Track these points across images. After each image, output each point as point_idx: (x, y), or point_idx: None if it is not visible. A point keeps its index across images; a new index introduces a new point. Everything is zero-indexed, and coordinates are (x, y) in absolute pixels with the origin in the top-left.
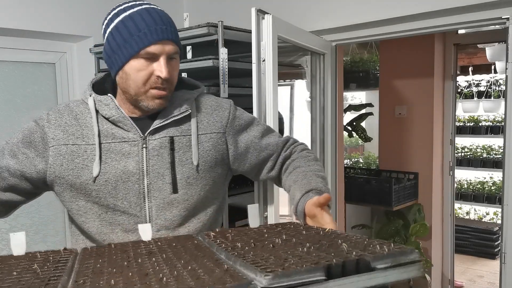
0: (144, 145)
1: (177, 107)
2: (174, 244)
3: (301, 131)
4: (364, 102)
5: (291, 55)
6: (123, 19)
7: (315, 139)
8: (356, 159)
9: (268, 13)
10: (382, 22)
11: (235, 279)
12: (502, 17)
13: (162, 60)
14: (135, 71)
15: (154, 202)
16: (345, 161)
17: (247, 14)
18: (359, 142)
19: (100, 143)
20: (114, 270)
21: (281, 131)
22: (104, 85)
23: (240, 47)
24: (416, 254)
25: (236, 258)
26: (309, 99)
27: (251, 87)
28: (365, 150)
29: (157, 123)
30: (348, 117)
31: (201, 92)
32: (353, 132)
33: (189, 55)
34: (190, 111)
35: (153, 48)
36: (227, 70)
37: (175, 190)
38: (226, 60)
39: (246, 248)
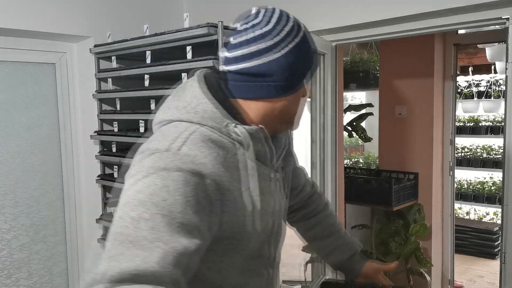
0: (278, 179)
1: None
2: None
3: (300, 131)
4: (364, 102)
5: None
6: (303, 36)
7: (315, 139)
8: (356, 159)
9: None
10: (382, 22)
11: None
12: (502, 17)
13: (308, 83)
14: (302, 95)
15: (275, 239)
16: (345, 161)
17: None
18: (359, 142)
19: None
20: None
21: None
22: (225, 104)
23: None
24: None
25: None
26: (307, 99)
27: None
28: (365, 150)
29: (280, 152)
30: (348, 117)
31: None
32: (353, 132)
33: (189, 55)
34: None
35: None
36: None
37: (284, 223)
38: None
39: None
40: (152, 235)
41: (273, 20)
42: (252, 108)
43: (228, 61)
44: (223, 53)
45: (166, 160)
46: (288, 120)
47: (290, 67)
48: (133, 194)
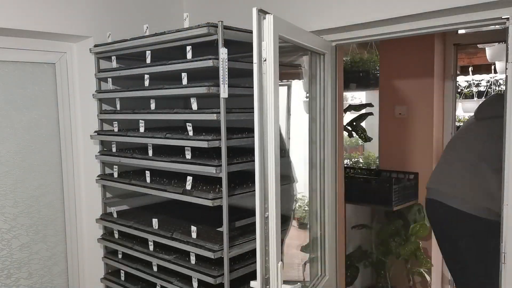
0: None
1: None
2: None
3: (298, 131)
4: (364, 102)
5: (289, 56)
6: None
7: (315, 139)
8: (356, 159)
9: (269, 13)
10: (382, 22)
11: None
12: (502, 17)
13: None
14: None
15: None
16: (345, 161)
17: (247, 14)
18: (359, 142)
19: None
20: None
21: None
22: None
23: (240, 47)
24: None
25: None
26: (306, 99)
27: (251, 87)
28: (365, 150)
29: None
30: (348, 117)
31: None
32: (353, 132)
33: (189, 55)
34: None
35: None
36: (227, 70)
37: None
38: (226, 60)
39: None
40: None
41: None
42: None
43: None
44: None
45: None
46: None
47: None
48: None
